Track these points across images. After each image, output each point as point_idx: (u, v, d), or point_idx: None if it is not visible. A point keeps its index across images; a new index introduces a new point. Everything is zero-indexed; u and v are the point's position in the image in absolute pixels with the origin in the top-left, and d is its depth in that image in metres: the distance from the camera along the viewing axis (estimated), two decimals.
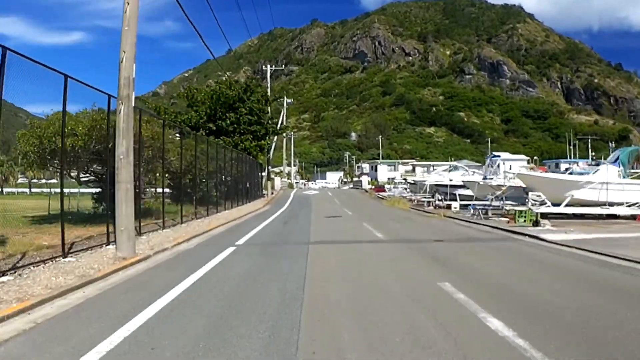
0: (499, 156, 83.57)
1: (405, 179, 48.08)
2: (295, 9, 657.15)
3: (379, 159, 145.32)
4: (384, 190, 63.07)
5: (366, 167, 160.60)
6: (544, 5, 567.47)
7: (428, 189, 39.72)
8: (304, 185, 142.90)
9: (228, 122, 46.01)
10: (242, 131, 46.20)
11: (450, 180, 37.97)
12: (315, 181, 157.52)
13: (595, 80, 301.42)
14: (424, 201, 38.06)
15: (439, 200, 35.71)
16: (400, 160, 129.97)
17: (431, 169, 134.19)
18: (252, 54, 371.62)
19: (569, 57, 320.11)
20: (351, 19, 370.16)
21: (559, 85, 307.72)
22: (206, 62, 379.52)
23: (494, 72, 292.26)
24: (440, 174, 47.05)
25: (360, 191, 58.26)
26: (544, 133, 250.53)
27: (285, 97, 77.26)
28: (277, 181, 60.94)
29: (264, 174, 56.56)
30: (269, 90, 55.07)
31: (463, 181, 35.19)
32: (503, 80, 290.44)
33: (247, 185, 43.49)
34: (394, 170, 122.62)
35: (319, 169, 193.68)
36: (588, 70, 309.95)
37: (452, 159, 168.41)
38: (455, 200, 33.80)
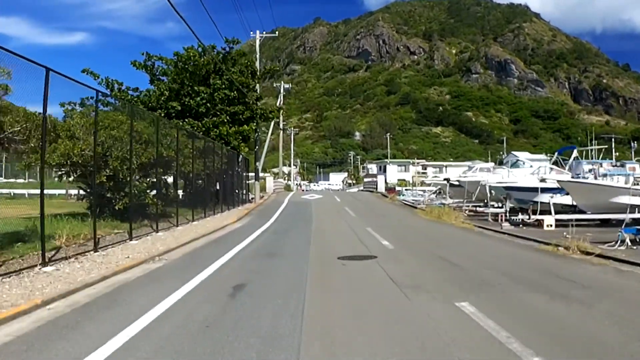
0: (517, 156, 71.71)
1: (447, 180, 33.96)
2: (298, 10, 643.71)
3: (383, 159, 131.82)
4: (396, 193, 51.10)
5: (372, 167, 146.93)
6: (547, 6, 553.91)
7: (484, 194, 26.28)
8: (305, 187, 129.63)
9: (198, 99, 32.51)
10: (218, 112, 32.62)
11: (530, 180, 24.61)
12: (317, 182, 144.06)
13: (604, 81, 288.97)
14: (485, 213, 24.58)
15: (516, 211, 22.31)
16: (412, 160, 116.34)
17: (444, 169, 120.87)
18: (254, 53, 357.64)
19: (577, 57, 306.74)
20: (355, 18, 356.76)
21: (567, 86, 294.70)
22: None
23: (501, 71, 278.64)
24: (493, 171, 33.55)
25: (376, 195, 44.30)
26: (555, 134, 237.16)
27: (282, 82, 63.41)
28: (270, 182, 47.35)
29: (253, 172, 43.50)
30: (258, 62, 40.99)
31: (559, 182, 21.53)
32: (511, 80, 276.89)
33: (219, 187, 29.98)
34: (405, 170, 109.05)
35: (321, 170, 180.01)
36: (596, 70, 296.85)
37: (461, 159, 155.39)
38: (548, 212, 20.32)
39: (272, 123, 64.19)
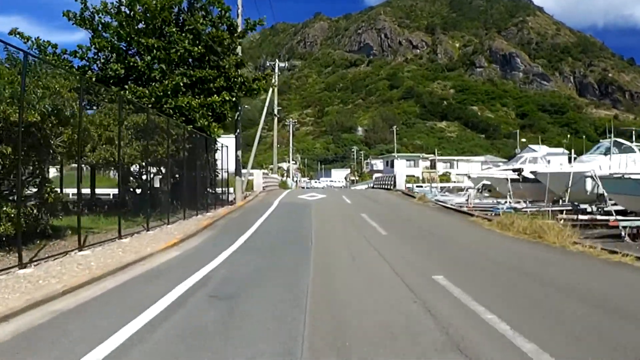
0: (535, 150, 61.11)
1: (519, 172, 23.42)
2: (298, 7, 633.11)
3: (387, 154, 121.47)
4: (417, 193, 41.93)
5: (376, 163, 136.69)
6: (550, 0, 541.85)
7: (580, 192, 16.18)
8: (305, 184, 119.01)
9: (149, 58, 22.26)
10: (177, 77, 22.25)
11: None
12: (318, 179, 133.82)
13: (610, 75, 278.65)
14: (604, 223, 14.34)
15: None
16: (422, 154, 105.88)
17: (455, 164, 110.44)
18: (254, 49, 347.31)
19: (581, 51, 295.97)
20: (356, 12, 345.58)
21: (572, 80, 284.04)
22: None
23: (506, 64, 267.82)
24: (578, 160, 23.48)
25: (396, 194, 33.59)
26: (562, 128, 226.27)
27: (277, 60, 53.10)
28: (258, 178, 36.69)
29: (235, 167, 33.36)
30: (239, 13, 29.81)
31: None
32: (516, 74, 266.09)
33: (174, 184, 19.84)
34: (414, 165, 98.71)
35: (322, 166, 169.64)
36: (601, 64, 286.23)
37: (468, 154, 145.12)
38: None
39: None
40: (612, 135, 23.06)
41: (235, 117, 29.21)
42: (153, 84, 21.65)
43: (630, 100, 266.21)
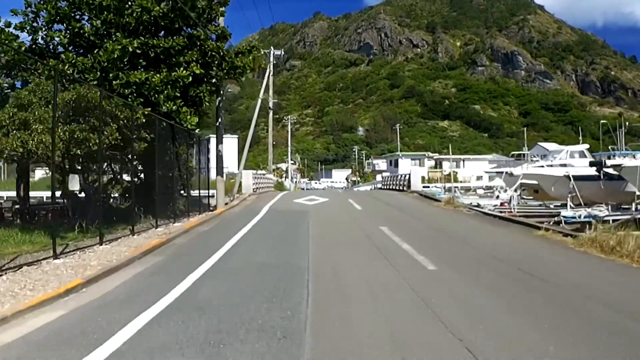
0: (546, 148, 57.33)
1: (600, 166, 17.76)
2: (297, 7, 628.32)
3: (388, 153, 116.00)
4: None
5: (378, 162, 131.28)
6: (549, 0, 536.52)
7: None
8: (305, 184, 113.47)
9: (98, 22, 16.94)
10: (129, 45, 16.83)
11: None
12: (319, 180, 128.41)
13: (612, 73, 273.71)
14: None
15: None
16: (427, 153, 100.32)
17: (461, 164, 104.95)
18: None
19: (583, 49, 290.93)
20: (355, 12, 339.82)
21: (574, 78, 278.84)
22: None
23: (508, 63, 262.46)
24: None
25: (413, 197, 27.48)
26: (566, 126, 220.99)
27: (272, 48, 47.83)
28: (248, 179, 30.94)
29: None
30: None
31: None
32: (518, 72, 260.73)
33: (129, 186, 14.53)
34: (419, 165, 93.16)
35: (323, 166, 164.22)
36: (603, 62, 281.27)
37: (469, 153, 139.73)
38: None
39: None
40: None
41: (217, 104, 23.66)
42: (96, 51, 16.23)
43: (633, 97, 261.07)
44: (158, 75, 16.74)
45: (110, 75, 15.97)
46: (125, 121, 14.37)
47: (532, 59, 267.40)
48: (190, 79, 17.53)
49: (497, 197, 23.71)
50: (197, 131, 20.44)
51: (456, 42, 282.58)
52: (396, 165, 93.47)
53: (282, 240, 13.31)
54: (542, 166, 24.64)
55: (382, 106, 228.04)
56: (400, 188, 35.05)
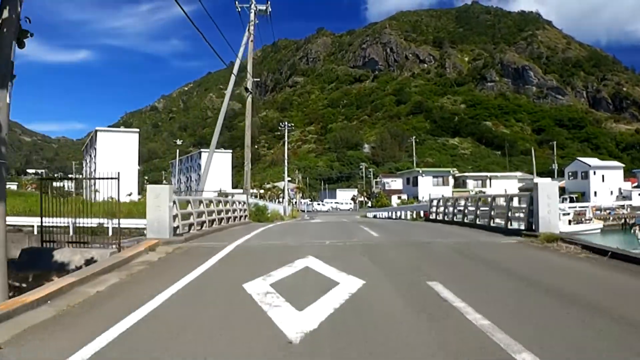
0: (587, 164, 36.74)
1: None
2: (299, 26, 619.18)
3: (405, 171, 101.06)
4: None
5: (388, 181, 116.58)
6: (559, 14, 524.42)
7: None
8: (307, 207, 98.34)
9: None
10: None
11: None
12: (322, 201, 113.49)
13: (624, 89, 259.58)
14: None
15: None
16: (452, 170, 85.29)
17: (488, 182, 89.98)
18: (255, 66, 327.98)
19: (594, 65, 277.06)
20: (359, 28, 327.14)
21: (585, 95, 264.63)
22: (207, 75, 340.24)
23: (518, 78, 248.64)
24: None
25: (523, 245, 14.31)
26: (582, 144, 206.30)
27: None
28: (160, 209, 14.92)
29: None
30: None
31: None
32: (529, 88, 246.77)
33: None
34: (443, 184, 78.37)
35: (327, 186, 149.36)
36: (615, 78, 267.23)
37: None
38: None
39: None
40: None
41: None
42: None
43: None
44: None
45: None
46: None
47: (544, 74, 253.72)
48: None
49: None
50: None
51: (464, 57, 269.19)
52: (415, 184, 78.74)
53: None
54: None
55: (388, 122, 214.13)
56: (498, 224, 18.83)
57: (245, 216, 24.98)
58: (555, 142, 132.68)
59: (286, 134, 63.85)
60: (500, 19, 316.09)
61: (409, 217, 35.58)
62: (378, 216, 48.63)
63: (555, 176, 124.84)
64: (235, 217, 22.28)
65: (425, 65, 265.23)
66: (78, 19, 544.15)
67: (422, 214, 34.33)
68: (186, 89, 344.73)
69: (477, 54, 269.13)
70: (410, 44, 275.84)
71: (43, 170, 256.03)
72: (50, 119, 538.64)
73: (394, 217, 39.74)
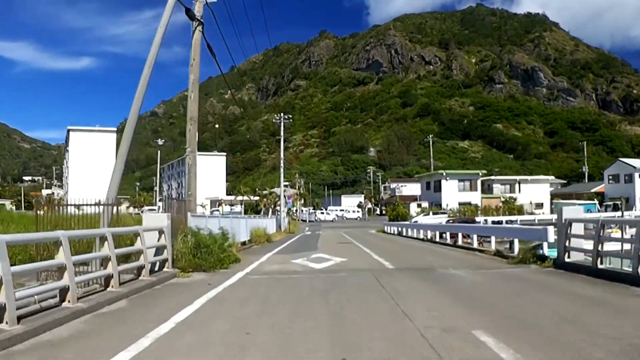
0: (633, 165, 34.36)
1: None
2: (301, 32, 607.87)
3: (423, 174, 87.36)
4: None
5: (396, 186, 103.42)
6: (565, 16, 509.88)
7: None
8: (310, 215, 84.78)
9: None
10: None
11: None
12: (326, 208, 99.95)
13: (634, 92, 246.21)
14: None
15: None
16: (481, 172, 71.48)
17: (516, 187, 76.07)
18: (257, 70, 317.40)
19: (603, 67, 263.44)
20: (363, 31, 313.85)
21: (594, 97, 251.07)
22: (208, 80, 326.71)
23: (528, 80, 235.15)
24: None
25: None
26: (597, 147, 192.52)
27: None
28: None
29: None
30: None
31: None
32: (539, 89, 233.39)
33: None
34: (470, 189, 64.72)
35: (331, 191, 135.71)
36: (625, 80, 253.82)
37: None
38: None
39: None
40: None
41: None
42: None
43: None
44: None
45: None
46: None
47: (554, 75, 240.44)
48: None
49: None
50: None
51: (471, 59, 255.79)
52: (437, 189, 65.13)
53: None
54: None
55: (394, 125, 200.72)
56: None
57: (162, 262, 11.44)
58: (585, 143, 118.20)
59: (282, 126, 50.20)
60: (506, 21, 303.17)
61: (493, 246, 20.42)
62: (405, 233, 34.60)
63: (586, 180, 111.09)
64: (106, 279, 8.57)
65: (431, 67, 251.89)
66: (80, 26, 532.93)
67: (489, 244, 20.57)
68: (187, 93, 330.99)
69: (484, 55, 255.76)
70: (416, 46, 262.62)
71: (40, 178, 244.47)
72: (51, 126, 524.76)
73: (447, 239, 25.66)
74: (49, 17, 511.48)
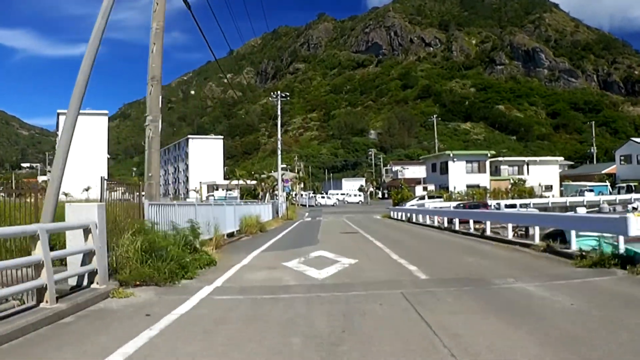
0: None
1: None
2: (299, 15, 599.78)
3: (430, 155, 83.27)
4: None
5: (399, 169, 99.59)
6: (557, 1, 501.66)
7: None
8: (311, 200, 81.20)
9: None
10: None
11: None
12: (326, 192, 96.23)
13: (636, 72, 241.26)
14: None
15: None
16: (489, 153, 67.62)
17: (525, 168, 72.12)
18: (255, 54, 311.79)
19: (604, 48, 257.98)
20: (362, 13, 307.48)
21: (595, 78, 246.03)
22: (206, 64, 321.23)
23: (529, 61, 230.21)
24: None
25: None
26: (600, 128, 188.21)
27: None
28: None
29: None
30: None
31: None
32: (540, 70, 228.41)
33: None
34: (478, 170, 60.82)
35: (331, 175, 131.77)
36: (626, 61, 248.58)
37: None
38: None
39: None
40: None
41: None
42: None
43: None
44: None
45: None
46: None
47: (555, 56, 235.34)
48: None
49: None
50: None
51: (471, 40, 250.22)
52: (444, 171, 61.24)
53: None
54: None
55: (395, 107, 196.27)
56: None
57: (91, 276, 7.45)
58: (594, 123, 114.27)
59: (279, 104, 46.16)
60: (506, 2, 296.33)
61: (510, 235, 16.92)
62: (415, 220, 30.68)
63: (595, 161, 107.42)
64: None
65: (432, 48, 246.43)
66: (78, 13, 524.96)
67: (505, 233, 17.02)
68: (185, 78, 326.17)
69: (484, 36, 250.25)
70: (415, 27, 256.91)
71: (38, 164, 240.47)
72: (50, 113, 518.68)
73: (471, 228, 21.63)
74: (47, 5, 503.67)
